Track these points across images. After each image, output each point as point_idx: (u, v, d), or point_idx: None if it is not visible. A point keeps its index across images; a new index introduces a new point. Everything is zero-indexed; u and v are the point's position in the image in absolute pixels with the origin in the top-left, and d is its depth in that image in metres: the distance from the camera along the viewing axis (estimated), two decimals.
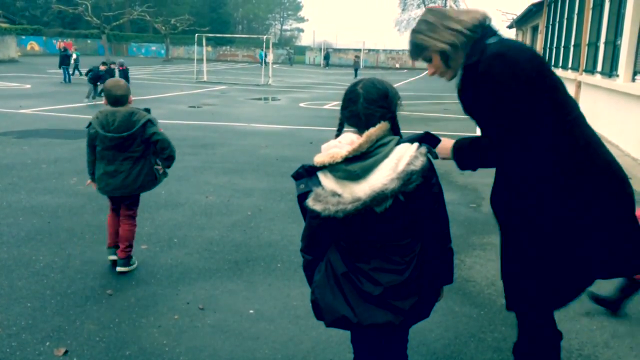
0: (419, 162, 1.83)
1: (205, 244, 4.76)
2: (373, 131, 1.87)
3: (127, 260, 4.13)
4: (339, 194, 1.84)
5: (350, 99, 1.96)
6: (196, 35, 29.63)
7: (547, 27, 22.45)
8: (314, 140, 10.16)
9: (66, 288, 3.84)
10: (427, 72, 2.29)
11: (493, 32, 2.12)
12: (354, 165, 1.84)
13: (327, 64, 50.35)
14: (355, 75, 35.23)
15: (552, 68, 13.50)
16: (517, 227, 2.16)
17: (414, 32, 2.20)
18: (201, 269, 4.24)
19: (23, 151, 8.55)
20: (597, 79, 12.52)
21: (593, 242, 2.06)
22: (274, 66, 33.30)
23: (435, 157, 1.95)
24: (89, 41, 58.39)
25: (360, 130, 1.93)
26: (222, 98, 18.50)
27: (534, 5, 24.45)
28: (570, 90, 14.29)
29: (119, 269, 4.10)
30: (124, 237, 4.12)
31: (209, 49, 52.08)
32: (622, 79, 10.38)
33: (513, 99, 1.97)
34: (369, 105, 1.92)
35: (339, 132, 2.03)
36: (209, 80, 26.80)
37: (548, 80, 2.06)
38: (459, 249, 4.69)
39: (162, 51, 56.38)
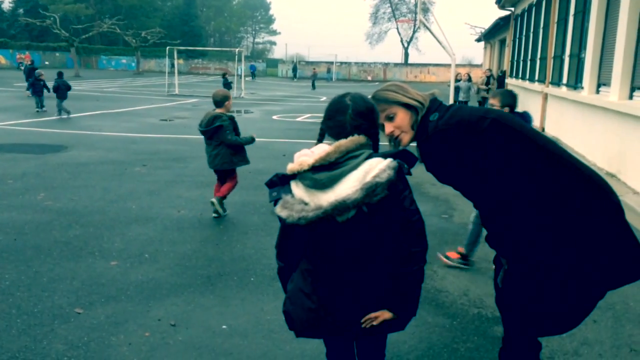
0: (385, 175, 1.83)
1: (177, 259, 4.70)
2: (343, 142, 1.89)
3: (221, 198, 5.91)
4: (306, 202, 1.86)
5: (337, 109, 1.97)
6: (167, 48, 29.43)
7: (514, 41, 22.98)
8: (287, 152, 10.15)
9: (33, 307, 3.74)
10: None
11: (436, 106, 2.22)
12: (321, 175, 1.85)
13: (294, 76, 50.61)
14: (313, 88, 35.56)
15: (520, 81, 13.81)
16: (527, 265, 2.14)
17: (382, 90, 2.28)
18: (173, 284, 4.18)
19: None
20: (563, 91, 12.84)
21: (601, 264, 2.06)
22: (246, 79, 33.26)
23: (409, 173, 1.96)
24: (57, 54, 57.59)
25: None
26: (194, 111, 18.38)
27: (501, 19, 25.04)
28: (537, 102, 14.74)
29: (213, 199, 5.88)
30: (224, 189, 5.98)
31: (181, 61, 51.83)
32: (587, 90, 10.66)
33: (466, 162, 2.09)
34: (357, 117, 1.95)
35: (318, 143, 2.03)
36: (181, 93, 26.62)
37: (493, 133, 2.08)
38: (432, 260, 4.72)
39: (133, 64, 55.87)
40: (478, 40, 37.97)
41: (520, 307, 2.20)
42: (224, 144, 5.82)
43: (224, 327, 3.53)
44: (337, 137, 1.95)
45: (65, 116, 15.12)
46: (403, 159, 1.94)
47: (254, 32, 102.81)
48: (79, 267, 4.45)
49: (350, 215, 1.84)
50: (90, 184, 7.38)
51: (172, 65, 33.37)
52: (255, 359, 3.16)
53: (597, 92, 10.44)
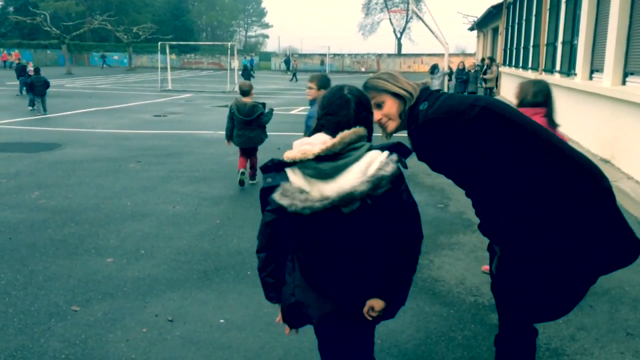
0: (389, 168, 1.85)
1: (174, 255, 4.69)
2: (347, 134, 1.88)
3: (253, 177, 7.26)
4: (306, 191, 1.85)
5: (340, 104, 1.94)
6: (159, 43, 29.24)
7: (506, 29, 22.95)
8: (282, 145, 10.13)
9: (29, 305, 3.73)
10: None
11: (426, 96, 2.23)
12: (325, 165, 1.84)
13: (287, 69, 50.50)
14: (295, 80, 35.72)
15: (513, 69, 13.76)
16: (519, 251, 2.15)
17: (374, 78, 2.31)
18: (169, 279, 4.18)
19: None
20: (556, 77, 12.84)
21: (593, 248, 2.08)
22: (240, 72, 33.10)
23: (405, 166, 1.96)
24: (48, 52, 57.21)
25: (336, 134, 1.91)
26: (188, 106, 18.32)
27: (494, 7, 24.99)
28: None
29: (250, 181, 7.21)
30: (252, 164, 7.28)
31: (173, 57, 51.53)
32: (580, 77, 10.67)
33: (456, 152, 2.11)
34: (360, 110, 1.94)
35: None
36: (174, 88, 26.51)
37: (482, 120, 2.09)
38: (428, 249, 4.73)
39: (125, 60, 55.57)
40: (471, 29, 37.90)
41: (513, 293, 2.21)
42: (260, 126, 7.10)
43: (221, 321, 3.53)
44: (337, 131, 1.91)
45: (39, 115, 14.95)
46: (398, 151, 1.95)
47: (246, 26, 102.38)
48: (74, 265, 4.44)
49: (355, 207, 1.85)
50: (84, 181, 7.36)
51: (165, 61, 33.22)
52: (253, 352, 3.16)
53: (590, 78, 10.44)
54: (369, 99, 2.02)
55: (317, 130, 2.00)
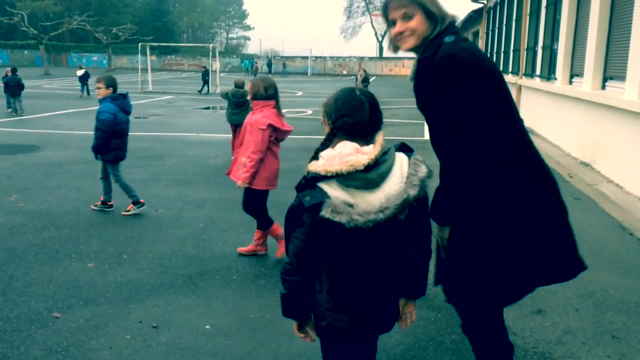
0: (424, 169, 1.85)
1: (157, 259, 4.61)
2: (381, 138, 1.85)
3: None
4: (352, 203, 1.75)
5: (354, 105, 1.88)
6: (140, 44, 28.99)
7: (487, 33, 23.19)
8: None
9: (8, 312, 3.63)
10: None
11: (454, 30, 2.15)
12: (372, 173, 1.78)
13: (269, 71, 50.38)
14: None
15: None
16: (467, 232, 2.18)
17: None
18: (153, 285, 4.10)
19: None
20: (537, 82, 13.00)
21: (536, 247, 2.16)
22: (222, 74, 32.94)
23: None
24: (26, 52, 56.36)
25: (355, 139, 1.85)
26: (169, 108, 18.14)
27: (474, 11, 25.20)
28: (512, 93, 14.81)
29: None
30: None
31: (154, 58, 51.14)
32: (560, 81, 10.80)
33: (461, 100, 2.02)
34: (374, 110, 1.90)
35: (328, 144, 1.89)
36: (155, 90, 26.27)
37: (496, 85, 2.09)
38: None
39: (104, 61, 54.94)
40: None
41: (463, 269, 2.23)
42: (247, 107, 8.25)
43: (207, 327, 3.48)
44: (354, 134, 1.86)
45: (15, 116, 14.70)
46: (405, 150, 1.95)
47: (227, 28, 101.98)
48: (55, 270, 4.34)
49: (407, 212, 1.84)
50: (64, 184, 7.22)
51: (145, 62, 32.89)
52: (240, 359, 3.11)
53: (570, 82, 10.58)
54: (377, 101, 1.96)
55: (332, 134, 1.89)
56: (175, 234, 5.28)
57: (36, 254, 4.68)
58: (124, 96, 5.96)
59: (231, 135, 9.39)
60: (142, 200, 6.02)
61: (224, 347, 3.23)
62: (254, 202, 4.57)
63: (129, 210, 5.92)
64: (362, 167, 1.74)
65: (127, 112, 5.95)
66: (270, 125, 4.36)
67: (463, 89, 2.01)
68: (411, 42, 2.16)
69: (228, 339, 3.32)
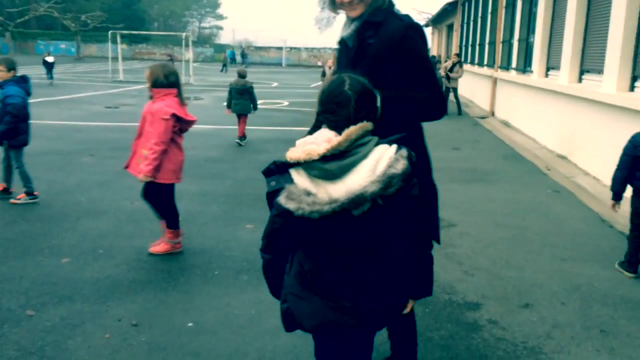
0: (400, 166, 1.73)
1: (135, 254, 4.46)
2: (353, 130, 1.74)
3: (244, 138, 9.85)
4: (313, 193, 1.73)
5: (338, 102, 1.79)
6: (110, 32, 28.29)
7: (462, 26, 23.29)
8: (244, 140, 9.93)
9: None
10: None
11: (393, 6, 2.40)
12: (332, 164, 1.71)
13: (243, 62, 49.81)
14: (224, 71, 35.66)
15: (469, 65, 14.06)
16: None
17: None
18: (131, 281, 3.96)
19: None
20: (513, 75, 13.08)
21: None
22: (194, 64, 32.44)
23: (414, 160, 1.84)
24: None
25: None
26: (141, 98, 17.72)
27: (449, 4, 25.28)
28: (487, 86, 14.97)
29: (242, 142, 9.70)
30: (241, 129, 9.83)
31: (124, 46, 50.02)
32: (537, 74, 10.88)
33: (427, 60, 2.31)
34: (361, 108, 1.79)
35: (313, 132, 1.87)
36: (126, 79, 25.71)
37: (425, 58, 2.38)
38: None
39: (73, 49, 53.64)
40: (426, 25, 38.32)
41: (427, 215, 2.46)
42: (250, 97, 9.95)
43: (189, 324, 3.36)
44: (339, 129, 1.78)
45: None
46: (406, 143, 1.84)
47: (199, 17, 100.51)
48: (27, 266, 4.15)
49: (365, 208, 1.73)
50: (34, 176, 6.92)
51: (115, 51, 32.16)
52: (225, 358, 3.01)
53: (547, 75, 10.66)
54: (373, 94, 1.86)
55: (316, 126, 1.86)
56: (153, 227, 5.10)
57: (7, 249, 4.48)
58: (26, 79, 5.83)
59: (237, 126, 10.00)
60: (36, 193, 5.86)
61: (208, 345, 3.12)
62: (160, 197, 4.37)
63: (19, 199, 5.76)
64: (317, 157, 1.70)
65: (29, 94, 5.87)
66: (173, 115, 4.17)
67: (427, 52, 2.37)
68: (360, 9, 2.34)
69: (212, 337, 3.21)
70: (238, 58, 51.02)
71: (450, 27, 29.29)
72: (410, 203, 1.81)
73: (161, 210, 4.45)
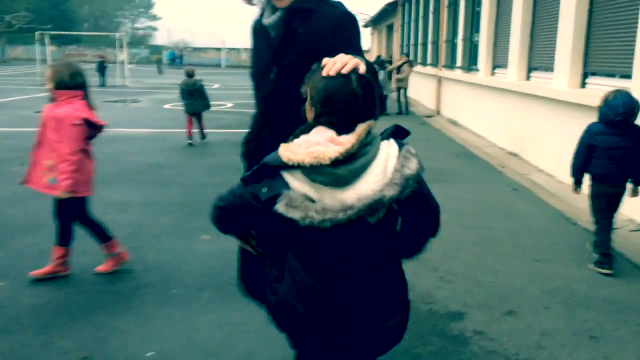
0: (414, 165, 1.53)
1: (80, 274, 4.00)
2: (363, 129, 1.52)
3: (204, 135, 9.96)
4: (313, 199, 1.50)
5: (347, 101, 1.53)
6: (37, 33, 26.82)
7: (402, 26, 23.48)
8: (186, 143, 9.46)
9: None
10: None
11: None
12: (342, 169, 1.48)
13: (180, 63, 48.38)
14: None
15: (413, 65, 14.02)
16: None
17: None
18: (78, 305, 3.51)
19: None
20: (458, 73, 13.18)
21: None
22: (129, 66, 31.19)
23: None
24: None
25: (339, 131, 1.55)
26: None
27: (389, 4, 25.50)
28: (432, 86, 15.11)
29: (204, 140, 9.91)
30: (190, 130, 9.63)
31: (53, 48, 47.56)
32: (483, 72, 10.96)
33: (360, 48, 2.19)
34: (371, 105, 1.58)
35: (303, 132, 1.59)
36: None
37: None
38: None
39: None
40: (365, 26, 38.59)
41: None
42: (202, 96, 9.65)
43: (149, 354, 2.97)
44: (342, 129, 1.54)
45: None
46: (399, 134, 1.65)
47: (132, 17, 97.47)
48: None
49: (381, 215, 1.52)
50: None
51: (44, 52, 30.51)
52: None
53: (493, 74, 10.76)
54: (377, 89, 1.62)
55: (314, 125, 1.58)
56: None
57: None
58: None
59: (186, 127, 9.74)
60: None
61: None
62: (73, 212, 3.93)
63: None
64: (328, 162, 1.46)
65: None
66: (85, 120, 3.75)
67: (360, 44, 2.22)
68: (286, 1, 2.16)
69: None
70: (164, 59, 49.16)
71: (390, 28, 29.54)
72: (422, 204, 1.61)
73: (84, 226, 4.00)
